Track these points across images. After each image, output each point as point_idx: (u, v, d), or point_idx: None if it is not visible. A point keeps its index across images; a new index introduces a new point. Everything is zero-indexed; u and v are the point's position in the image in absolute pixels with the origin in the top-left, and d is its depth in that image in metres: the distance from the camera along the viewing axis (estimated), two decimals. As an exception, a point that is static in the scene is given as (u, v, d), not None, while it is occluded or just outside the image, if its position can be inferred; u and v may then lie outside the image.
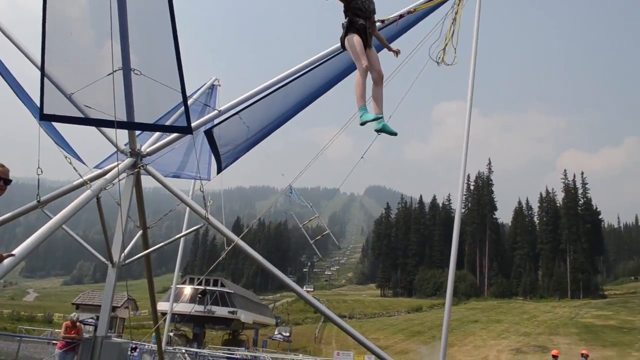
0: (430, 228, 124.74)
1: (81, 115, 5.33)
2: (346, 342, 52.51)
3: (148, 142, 6.80)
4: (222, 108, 6.68)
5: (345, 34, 5.32)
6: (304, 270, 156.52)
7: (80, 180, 6.07)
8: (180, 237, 9.12)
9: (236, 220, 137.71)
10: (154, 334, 10.39)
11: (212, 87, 10.79)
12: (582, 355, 17.98)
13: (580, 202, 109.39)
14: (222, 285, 47.94)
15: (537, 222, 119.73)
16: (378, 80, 5.41)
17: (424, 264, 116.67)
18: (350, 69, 7.37)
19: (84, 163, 6.98)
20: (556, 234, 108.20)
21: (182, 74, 5.26)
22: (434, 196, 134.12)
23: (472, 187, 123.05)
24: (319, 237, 9.60)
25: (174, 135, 6.68)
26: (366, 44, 5.28)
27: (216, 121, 6.69)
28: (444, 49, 7.27)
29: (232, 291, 48.66)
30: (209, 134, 6.38)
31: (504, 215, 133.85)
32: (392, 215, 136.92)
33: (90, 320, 30.13)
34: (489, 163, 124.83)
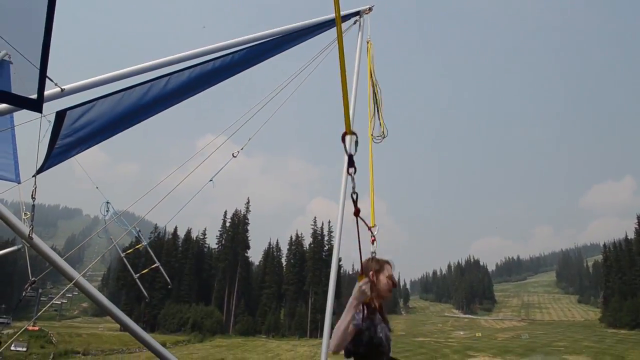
0: (182, 261, 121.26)
1: None
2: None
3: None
4: (67, 87, 4.58)
5: None
6: (24, 294, 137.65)
7: None
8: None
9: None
10: None
11: (1, 64, 8.00)
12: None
13: (325, 248, 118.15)
14: None
15: (284, 263, 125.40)
16: None
17: (171, 298, 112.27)
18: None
19: None
20: (301, 276, 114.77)
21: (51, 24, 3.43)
22: (189, 229, 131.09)
23: (227, 224, 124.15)
24: (146, 270, 7.67)
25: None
26: None
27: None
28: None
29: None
30: (61, 115, 4.33)
31: (256, 254, 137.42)
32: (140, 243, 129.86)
33: None
34: (248, 202, 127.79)
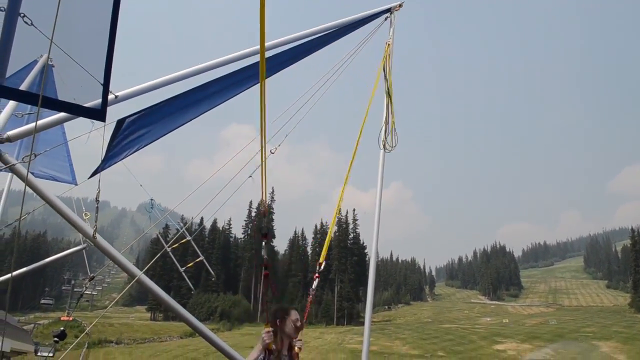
0: (209, 251, 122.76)
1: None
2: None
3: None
4: (120, 94, 4.85)
5: None
6: (63, 288, 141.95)
7: None
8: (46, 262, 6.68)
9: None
10: None
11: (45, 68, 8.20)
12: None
13: (350, 236, 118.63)
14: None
15: (310, 252, 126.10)
16: None
17: (199, 287, 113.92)
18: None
19: None
20: (327, 264, 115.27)
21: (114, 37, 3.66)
22: (215, 220, 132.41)
23: (253, 214, 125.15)
24: (191, 264, 8.02)
25: (55, 117, 4.66)
26: None
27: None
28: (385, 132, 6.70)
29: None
30: (120, 123, 4.62)
31: (281, 243, 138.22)
32: (169, 235, 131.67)
33: None
34: (272, 191, 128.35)
